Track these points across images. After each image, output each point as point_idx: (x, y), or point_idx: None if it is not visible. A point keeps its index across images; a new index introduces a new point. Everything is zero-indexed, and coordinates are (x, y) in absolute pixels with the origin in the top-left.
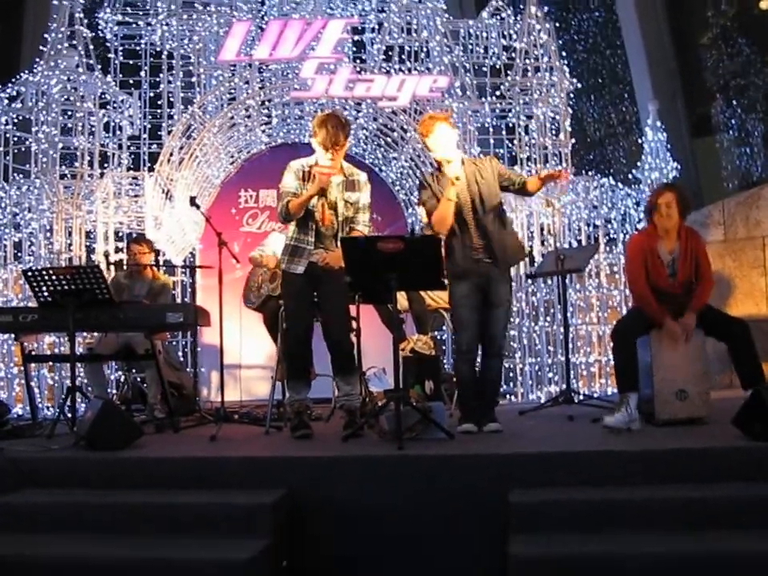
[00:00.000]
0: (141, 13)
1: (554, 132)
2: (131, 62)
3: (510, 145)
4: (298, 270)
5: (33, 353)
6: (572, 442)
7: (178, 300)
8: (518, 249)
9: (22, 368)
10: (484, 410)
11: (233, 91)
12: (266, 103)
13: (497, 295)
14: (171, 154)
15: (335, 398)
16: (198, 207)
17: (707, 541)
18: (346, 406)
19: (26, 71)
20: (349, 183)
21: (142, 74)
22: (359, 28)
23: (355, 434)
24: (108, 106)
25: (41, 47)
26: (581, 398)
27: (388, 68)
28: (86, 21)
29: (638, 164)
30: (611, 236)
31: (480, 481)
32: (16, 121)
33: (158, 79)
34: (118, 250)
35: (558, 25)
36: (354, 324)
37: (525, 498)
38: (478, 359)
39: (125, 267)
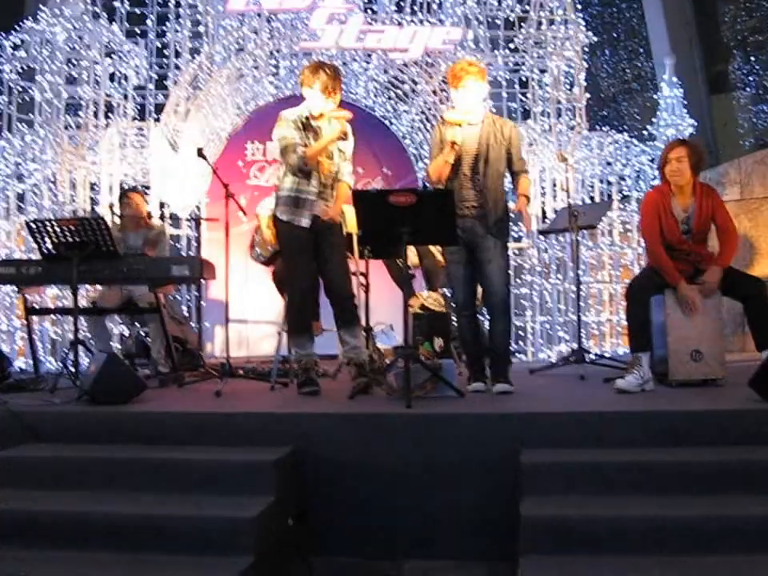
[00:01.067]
0: None
1: (567, 86)
2: (138, 10)
3: (523, 99)
4: (303, 223)
5: (35, 305)
6: (584, 402)
7: (183, 253)
8: (504, 225)
9: (25, 321)
10: (494, 372)
11: (241, 41)
12: (275, 54)
13: (485, 251)
14: (177, 105)
15: (342, 353)
16: (205, 158)
17: (723, 505)
18: (354, 360)
19: (30, 19)
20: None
21: (149, 22)
22: None
23: (363, 390)
24: (114, 55)
25: None
26: (592, 357)
27: (400, 19)
28: None
29: (654, 120)
30: (625, 193)
31: (490, 440)
32: (20, 70)
33: (164, 28)
34: None
35: None
36: (363, 280)
37: (536, 459)
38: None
39: (121, 218)
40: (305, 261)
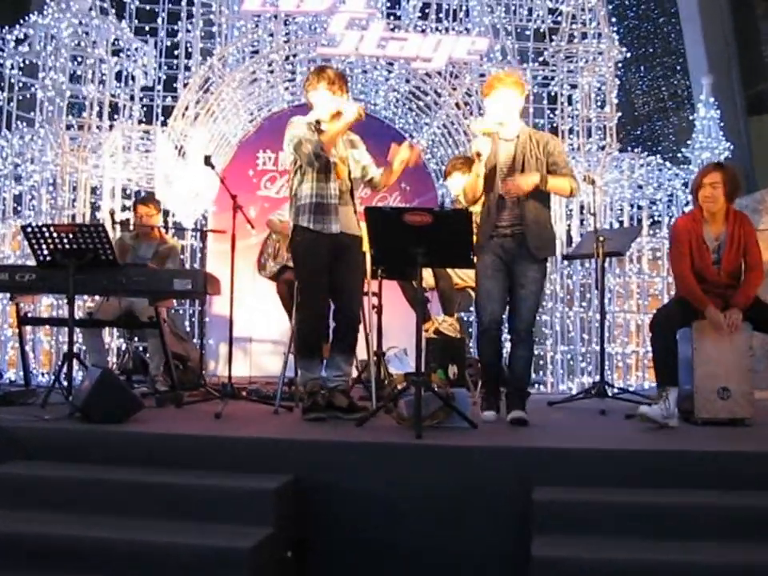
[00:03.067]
0: None
1: (598, 104)
2: (148, 7)
3: (551, 115)
4: (333, 230)
5: (29, 314)
6: (604, 439)
7: (187, 265)
8: (547, 244)
9: (17, 330)
10: (510, 401)
11: (256, 44)
12: (291, 58)
13: (522, 275)
14: (186, 109)
15: (329, 377)
16: (212, 167)
17: (748, 552)
18: (343, 387)
19: (36, 13)
20: (349, 141)
21: (159, 20)
22: None
23: (319, 417)
24: (121, 54)
25: None
26: (615, 391)
27: (423, 26)
28: None
29: (688, 142)
30: (655, 218)
31: (503, 475)
32: (22, 65)
33: (175, 27)
34: (124, 209)
35: None
36: (376, 301)
37: (551, 497)
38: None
39: (131, 228)
40: (322, 278)
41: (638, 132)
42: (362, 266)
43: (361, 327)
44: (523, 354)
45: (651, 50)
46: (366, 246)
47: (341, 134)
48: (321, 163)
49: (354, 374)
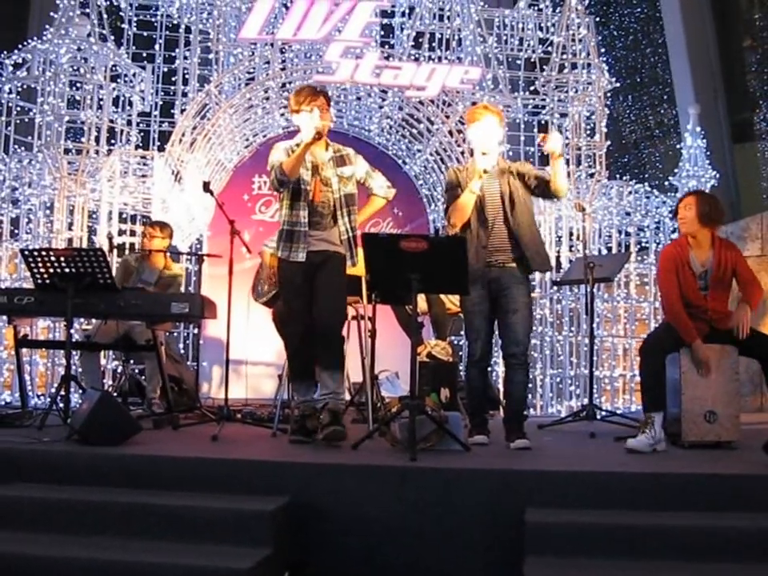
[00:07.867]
0: None
1: (588, 132)
2: (146, 33)
3: (541, 143)
4: (299, 258)
5: (26, 337)
6: (593, 461)
7: (182, 289)
8: (545, 259)
9: (12, 352)
10: (510, 426)
11: (252, 71)
12: (287, 85)
13: (512, 300)
14: (183, 134)
15: (319, 396)
16: (211, 193)
17: (737, 572)
18: (331, 405)
19: (35, 38)
20: (338, 159)
21: (157, 47)
22: (389, 11)
23: (335, 437)
24: (119, 80)
25: (51, 14)
26: (603, 414)
27: (417, 55)
28: None
29: (675, 171)
30: (643, 245)
31: (496, 497)
32: (20, 89)
33: (173, 54)
34: (121, 233)
35: (597, 19)
36: (370, 325)
37: (542, 518)
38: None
39: (136, 250)
40: (299, 303)
41: (625, 159)
42: (340, 279)
43: (356, 351)
44: (522, 378)
45: (639, 80)
46: (362, 271)
47: (301, 157)
48: (288, 187)
49: (347, 396)
